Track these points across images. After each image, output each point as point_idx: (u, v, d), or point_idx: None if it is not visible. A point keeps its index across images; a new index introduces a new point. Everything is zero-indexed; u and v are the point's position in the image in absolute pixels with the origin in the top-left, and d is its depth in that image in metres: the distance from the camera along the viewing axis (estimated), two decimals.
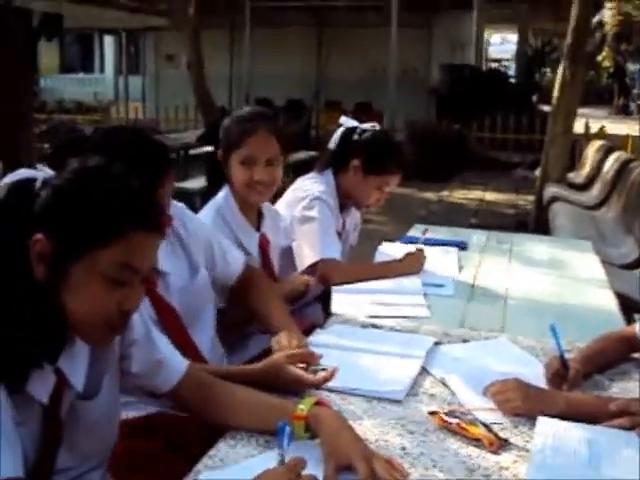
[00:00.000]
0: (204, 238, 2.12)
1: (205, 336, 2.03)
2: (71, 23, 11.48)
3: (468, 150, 13.01)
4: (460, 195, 10.47)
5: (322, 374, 1.69)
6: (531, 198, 9.11)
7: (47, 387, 1.25)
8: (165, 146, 1.92)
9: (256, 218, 2.48)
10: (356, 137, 2.85)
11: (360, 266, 2.84)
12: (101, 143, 1.77)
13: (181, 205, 2.14)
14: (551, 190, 7.96)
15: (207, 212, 2.40)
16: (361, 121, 2.95)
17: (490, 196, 10.39)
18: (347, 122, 2.92)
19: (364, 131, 2.87)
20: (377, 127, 2.92)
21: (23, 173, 1.24)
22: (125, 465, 1.69)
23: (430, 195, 10.35)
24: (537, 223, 7.91)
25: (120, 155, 1.71)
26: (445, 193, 10.58)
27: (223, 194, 2.44)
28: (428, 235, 3.00)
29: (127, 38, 20.52)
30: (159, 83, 19.19)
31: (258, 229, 2.47)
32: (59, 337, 1.24)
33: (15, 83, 6.53)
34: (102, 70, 25.53)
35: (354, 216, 3.07)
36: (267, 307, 2.12)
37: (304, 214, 2.72)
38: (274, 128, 2.39)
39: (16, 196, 1.21)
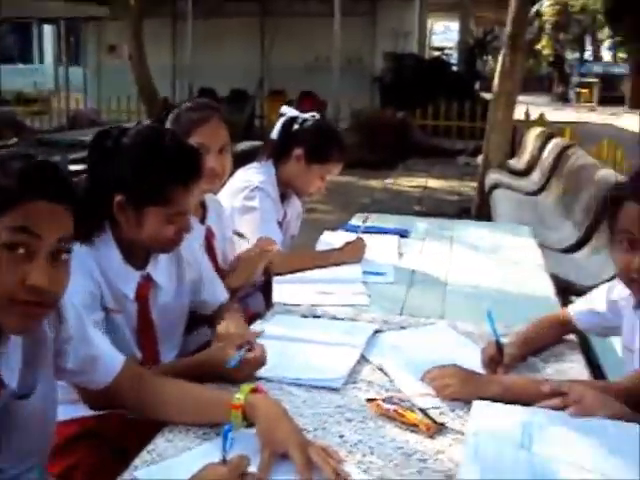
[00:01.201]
0: (197, 264, 2.07)
1: (172, 354, 2.00)
2: (8, 12, 11.21)
3: (412, 138, 13.11)
4: (404, 182, 10.55)
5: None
6: (474, 185, 9.22)
7: None
8: (199, 152, 1.89)
9: (201, 211, 2.46)
10: (297, 126, 2.86)
11: (301, 255, 2.84)
12: (137, 139, 1.79)
13: None
14: (492, 177, 8.07)
15: None
16: (305, 110, 2.95)
17: (434, 183, 10.50)
18: (288, 112, 2.92)
19: (305, 120, 2.87)
20: (317, 116, 2.93)
21: None
22: (68, 466, 1.68)
23: (375, 183, 10.41)
24: (479, 209, 8.03)
25: (155, 154, 1.76)
26: (389, 181, 10.64)
27: None
28: (369, 223, 3.01)
29: (67, 28, 20.06)
30: (101, 74, 18.83)
31: (203, 222, 2.44)
32: None
33: None
34: (41, 60, 25.00)
35: (295, 206, 3.07)
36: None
37: (245, 204, 2.72)
38: (223, 117, 2.39)
39: None
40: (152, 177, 1.75)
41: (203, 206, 2.46)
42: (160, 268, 1.93)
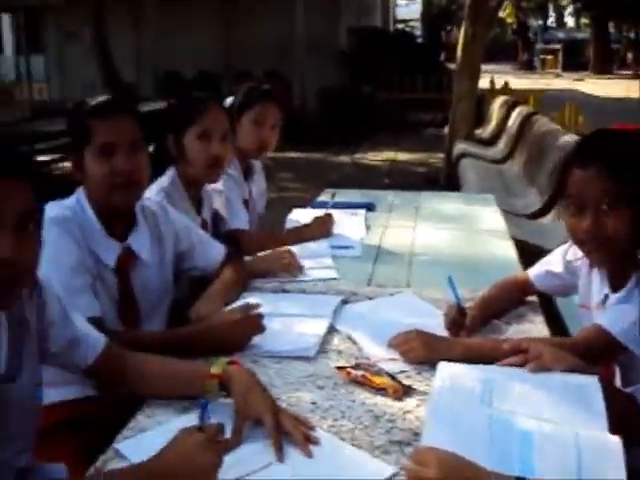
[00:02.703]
0: (188, 233, 2.17)
1: (156, 328, 2.06)
2: None
3: (379, 112, 13.16)
4: (373, 157, 10.61)
5: None
6: (441, 156, 9.31)
7: None
8: None
9: (197, 202, 2.52)
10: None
11: (269, 235, 2.89)
12: None
13: (160, 199, 2.20)
14: (459, 147, 8.16)
15: (152, 196, 2.31)
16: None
17: (402, 156, 10.57)
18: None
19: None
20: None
21: None
22: (54, 450, 1.71)
23: (344, 159, 10.46)
24: (447, 179, 8.12)
25: None
26: (358, 156, 10.70)
27: (169, 177, 2.44)
28: (337, 199, 3.07)
29: (25, 16, 19.75)
30: (64, 61, 18.58)
31: (198, 213, 2.51)
32: None
33: None
34: (1, 51, 24.60)
35: (259, 184, 3.12)
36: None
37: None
38: (223, 107, 2.50)
39: None
40: None
41: (199, 198, 2.53)
42: (140, 241, 1.99)
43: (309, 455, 1.35)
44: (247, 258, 2.46)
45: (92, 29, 13.45)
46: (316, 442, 1.38)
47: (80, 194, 1.94)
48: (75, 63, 17.24)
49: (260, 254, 2.52)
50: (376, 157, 10.56)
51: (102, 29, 13.14)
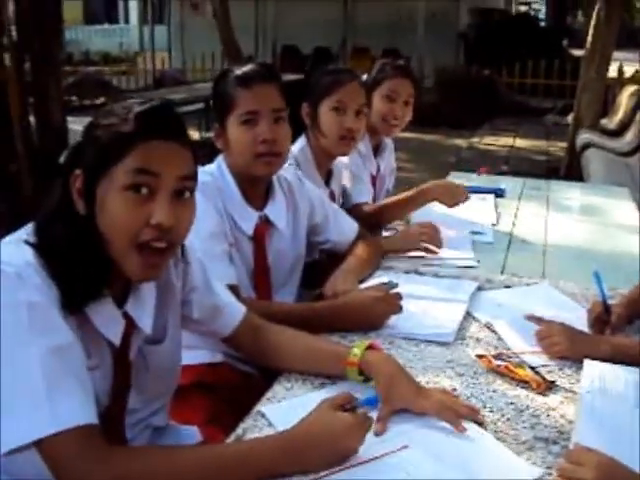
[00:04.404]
0: (322, 205, 2.18)
1: (288, 298, 2.08)
2: None
3: (498, 96, 12.83)
4: (490, 141, 10.37)
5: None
6: (562, 144, 9.00)
7: (118, 330, 1.31)
8: None
9: (326, 174, 2.54)
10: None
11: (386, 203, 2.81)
12: None
13: (294, 168, 2.21)
14: (584, 136, 7.86)
15: None
16: None
17: (520, 142, 10.28)
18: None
19: None
20: None
21: None
22: (183, 412, 1.74)
23: (460, 142, 10.27)
24: (569, 170, 7.84)
25: None
26: (475, 139, 10.48)
27: (299, 145, 2.46)
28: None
29: None
30: (185, 32, 18.95)
31: (327, 185, 2.52)
32: (105, 263, 1.26)
33: (43, 36, 6.48)
34: (127, 20, 25.37)
35: (389, 161, 3.11)
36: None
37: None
38: (362, 84, 2.50)
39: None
40: None
41: (329, 170, 2.54)
42: (277, 211, 2.01)
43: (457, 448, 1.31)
44: (385, 233, 2.46)
45: (213, 1, 13.63)
46: (462, 431, 1.34)
47: (221, 161, 1.96)
48: (196, 34, 17.56)
49: (401, 229, 2.51)
50: (493, 142, 10.31)
51: (223, 2, 13.30)
